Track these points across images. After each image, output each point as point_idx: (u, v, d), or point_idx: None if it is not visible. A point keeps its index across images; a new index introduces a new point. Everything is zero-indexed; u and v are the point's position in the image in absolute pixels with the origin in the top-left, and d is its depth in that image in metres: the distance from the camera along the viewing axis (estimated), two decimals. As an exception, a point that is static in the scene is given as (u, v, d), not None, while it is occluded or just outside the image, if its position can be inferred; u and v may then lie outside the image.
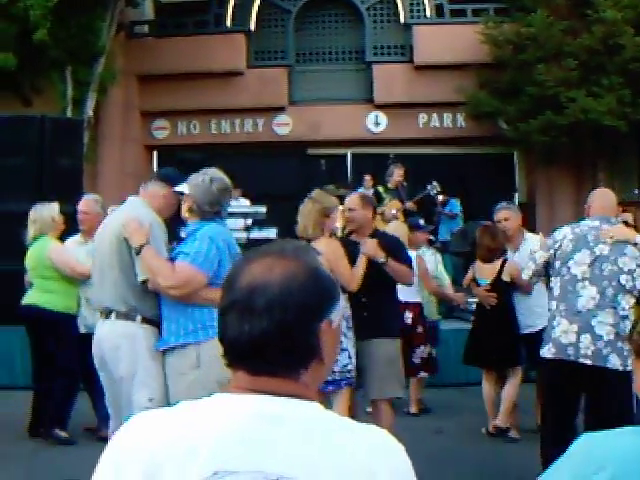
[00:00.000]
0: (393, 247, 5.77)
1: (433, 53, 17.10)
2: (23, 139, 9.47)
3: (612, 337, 4.79)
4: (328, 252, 5.22)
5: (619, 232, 5.01)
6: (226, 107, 17.90)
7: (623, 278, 4.86)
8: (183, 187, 4.65)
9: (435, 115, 17.81)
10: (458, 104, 16.85)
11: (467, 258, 10.85)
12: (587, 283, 4.89)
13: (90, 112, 16.15)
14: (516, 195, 17.52)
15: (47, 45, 13.93)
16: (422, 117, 17.86)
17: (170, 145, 18.49)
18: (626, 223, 5.63)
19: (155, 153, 18.96)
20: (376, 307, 5.63)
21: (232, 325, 1.36)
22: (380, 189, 11.62)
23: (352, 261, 5.54)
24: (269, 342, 1.34)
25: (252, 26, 18.31)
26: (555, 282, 5.07)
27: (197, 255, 4.24)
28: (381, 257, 5.55)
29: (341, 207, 11.80)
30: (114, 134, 17.74)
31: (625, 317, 4.83)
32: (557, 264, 5.05)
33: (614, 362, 4.78)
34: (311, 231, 5.51)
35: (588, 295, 4.88)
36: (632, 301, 4.89)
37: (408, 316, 7.49)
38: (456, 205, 14.31)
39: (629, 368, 4.61)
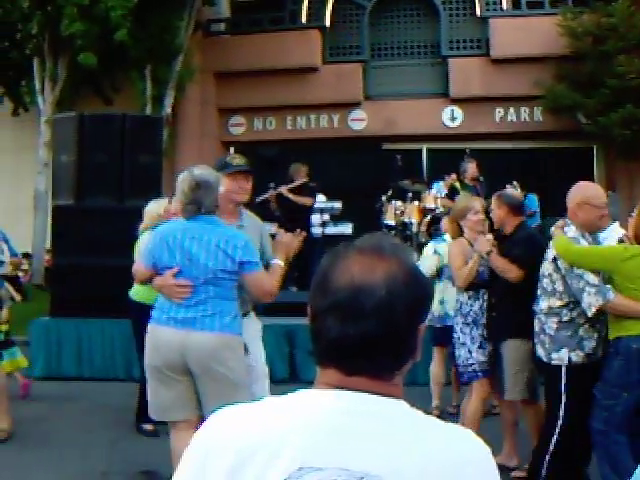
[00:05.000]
0: (513, 244, 5.73)
1: (510, 46, 16.85)
2: (105, 137, 9.68)
3: (537, 329, 5.09)
4: (449, 251, 5.96)
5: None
6: (302, 103, 18.00)
7: (545, 281, 5.05)
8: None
9: (512, 109, 17.56)
10: (536, 98, 16.56)
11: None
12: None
13: (169, 109, 16.47)
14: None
15: (127, 45, 14.23)
16: (499, 111, 17.64)
17: (246, 141, 18.67)
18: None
19: (232, 149, 19.17)
20: (504, 308, 5.71)
21: (333, 326, 1.34)
22: (457, 185, 11.49)
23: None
24: (376, 345, 1.33)
25: (327, 22, 18.36)
26: None
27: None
28: (485, 251, 5.67)
29: (416, 203, 11.83)
30: (192, 131, 18.02)
31: (544, 316, 5.02)
32: None
33: (540, 352, 5.08)
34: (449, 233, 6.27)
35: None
36: (557, 303, 4.95)
37: None
38: (534, 200, 14.04)
39: (554, 362, 4.95)
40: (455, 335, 5.94)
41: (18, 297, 13.77)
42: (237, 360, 4.43)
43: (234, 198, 4.86)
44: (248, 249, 4.41)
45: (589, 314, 4.77)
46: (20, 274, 13.87)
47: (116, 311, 8.53)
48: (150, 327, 4.50)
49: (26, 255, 16.97)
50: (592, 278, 4.74)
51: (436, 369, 7.47)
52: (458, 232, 6.16)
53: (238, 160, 4.95)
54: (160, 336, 4.41)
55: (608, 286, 4.74)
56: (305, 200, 11.64)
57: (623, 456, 4.72)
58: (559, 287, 4.94)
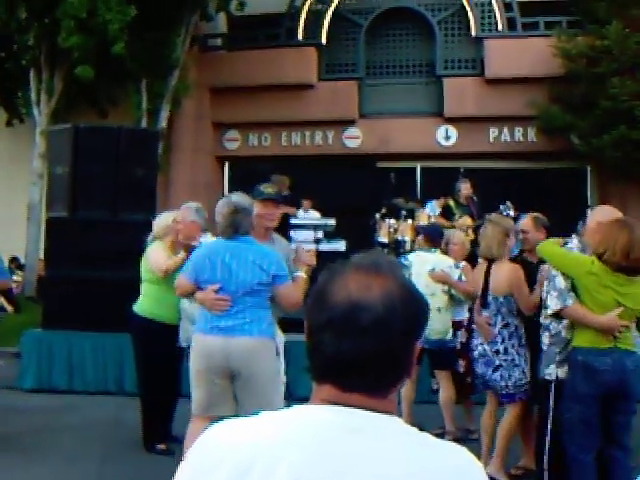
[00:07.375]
0: None
1: (504, 67, 16.95)
2: (100, 149, 9.68)
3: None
4: (512, 276, 5.87)
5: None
6: (297, 119, 18.04)
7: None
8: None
9: (506, 129, 17.64)
10: (530, 118, 16.64)
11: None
12: None
13: (164, 123, 16.48)
14: (588, 211, 17.16)
15: (124, 58, 14.26)
16: (493, 131, 17.71)
17: (241, 156, 18.71)
18: None
19: (226, 164, 19.21)
20: None
21: (329, 342, 1.35)
22: (451, 204, 11.55)
23: (528, 279, 5.85)
24: (372, 361, 1.34)
25: (323, 39, 18.43)
26: None
27: None
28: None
29: (410, 221, 11.86)
30: (186, 145, 18.06)
31: (541, 331, 5.22)
32: None
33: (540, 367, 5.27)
34: (495, 251, 6.04)
35: None
36: (544, 312, 5.11)
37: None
38: (527, 220, 14.11)
39: (546, 377, 5.10)
40: (508, 357, 5.92)
41: (10, 308, 13.77)
42: (272, 360, 5.09)
43: (263, 223, 5.46)
44: (280, 264, 5.08)
45: (546, 314, 5.01)
46: (13, 285, 13.83)
47: (108, 324, 8.53)
48: (196, 336, 5.16)
49: (19, 266, 16.95)
50: (559, 282, 4.90)
51: (408, 390, 7.22)
52: (506, 253, 6.09)
53: (270, 190, 5.65)
54: (206, 343, 5.04)
55: (571, 294, 4.86)
56: (288, 209, 11.53)
57: (585, 476, 4.77)
58: (544, 294, 5.17)
